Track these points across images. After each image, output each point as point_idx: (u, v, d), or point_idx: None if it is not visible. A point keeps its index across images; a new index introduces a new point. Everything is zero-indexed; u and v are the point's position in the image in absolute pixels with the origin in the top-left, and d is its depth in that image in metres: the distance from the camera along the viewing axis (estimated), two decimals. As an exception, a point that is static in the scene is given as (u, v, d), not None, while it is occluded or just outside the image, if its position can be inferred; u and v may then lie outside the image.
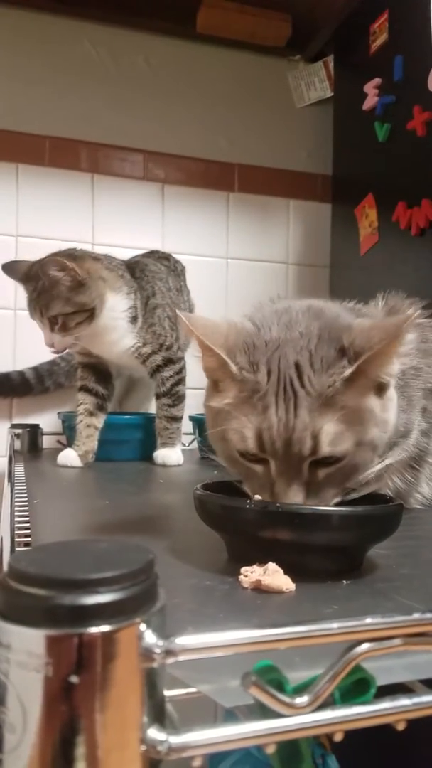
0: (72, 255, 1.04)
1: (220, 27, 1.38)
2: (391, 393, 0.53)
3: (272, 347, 0.52)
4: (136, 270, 1.12)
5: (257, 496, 0.50)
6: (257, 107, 1.51)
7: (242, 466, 0.52)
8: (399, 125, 1.15)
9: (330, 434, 0.48)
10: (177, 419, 1.11)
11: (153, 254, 1.25)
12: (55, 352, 1.08)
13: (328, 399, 0.48)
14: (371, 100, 1.24)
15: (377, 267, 1.24)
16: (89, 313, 1.01)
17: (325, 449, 0.48)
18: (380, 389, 0.52)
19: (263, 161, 1.51)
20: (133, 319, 1.06)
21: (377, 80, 1.22)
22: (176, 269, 1.25)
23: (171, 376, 1.10)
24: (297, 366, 0.50)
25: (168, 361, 1.10)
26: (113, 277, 1.05)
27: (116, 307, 1.04)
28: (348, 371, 0.49)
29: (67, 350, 1.08)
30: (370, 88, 1.24)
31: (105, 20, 1.38)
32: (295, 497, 0.48)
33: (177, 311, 0.62)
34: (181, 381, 1.12)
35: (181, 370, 1.12)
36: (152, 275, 1.12)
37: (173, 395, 1.10)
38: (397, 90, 1.17)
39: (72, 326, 1.01)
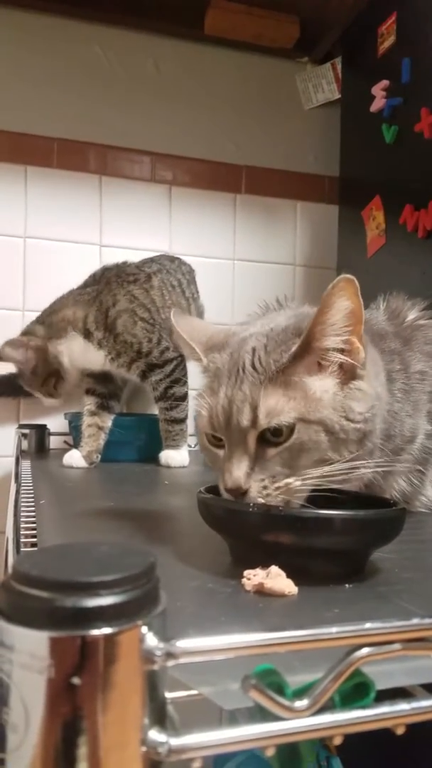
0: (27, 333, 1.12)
1: (228, 29, 1.38)
2: (362, 385, 0.53)
3: (241, 340, 0.55)
4: (101, 282, 1.10)
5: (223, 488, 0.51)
6: (265, 109, 1.51)
7: (210, 452, 0.54)
8: (406, 127, 1.15)
9: (268, 405, 0.49)
10: (178, 421, 1.09)
11: (161, 256, 1.25)
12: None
13: (272, 374, 0.50)
14: (379, 102, 1.23)
15: (384, 269, 1.24)
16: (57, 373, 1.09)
17: (263, 420, 0.48)
18: (347, 375, 0.52)
19: (270, 163, 1.51)
20: (87, 335, 1.06)
21: (385, 82, 1.22)
22: (181, 269, 1.23)
23: (161, 380, 1.08)
24: (253, 350, 0.52)
25: (152, 367, 1.07)
26: (62, 322, 1.09)
27: (73, 345, 1.07)
28: (295, 346, 0.50)
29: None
30: (378, 90, 1.23)
31: (113, 23, 1.39)
32: (237, 471, 0.49)
33: (173, 312, 0.62)
34: (175, 383, 1.09)
35: (173, 372, 1.09)
36: (119, 283, 1.10)
37: (168, 398, 1.08)
38: (405, 92, 1.16)
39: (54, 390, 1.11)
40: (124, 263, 1.18)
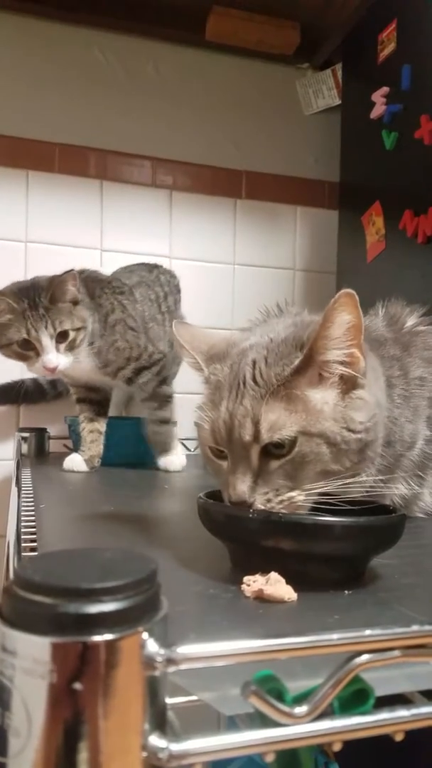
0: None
1: (229, 35, 1.39)
2: (363, 394, 0.53)
3: (241, 352, 0.55)
4: (96, 288, 1.07)
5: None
6: (265, 114, 1.52)
7: (213, 463, 0.54)
8: (406, 134, 1.16)
9: (270, 420, 0.49)
10: (166, 421, 1.07)
11: (139, 266, 1.23)
12: (51, 374, 0.99)
13: (273, 388, 0.50)
14: (379, 109, 1.24)
15: (384, 274, 1.25)
16: (85, 332, 1.00)
17: (265, 435, 0.49)
18: (347, 385, 0.52)
19: (271, 168, 1.51)
20: (91, 343, 1.02)
21: (385, 89, 1.22)
22: (159, 280, 1.21)
23: (149, 381, 1.06)
24: (253, 363, 0.52)
25: (141, 370, 1.06)
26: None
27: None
28: (297, 360, 0.51)
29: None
30: (378, 96, 1.24)
31: (114, 28, 1.40)
32: (241, 485, 0.49)
33: (175, 321, 0.63)
34: (162, 382, 1.07)
35: (160, 372, 1.07)
36: (112, 291, 1.08)
37: (157, 397, 1.07)
38: (405, 99, 1.17)
39: (78, 344, 0.98)
40: (102, 273, 1.14)
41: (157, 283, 1.20)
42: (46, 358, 0.95)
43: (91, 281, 1.08)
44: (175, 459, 1.07)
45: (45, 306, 0.95)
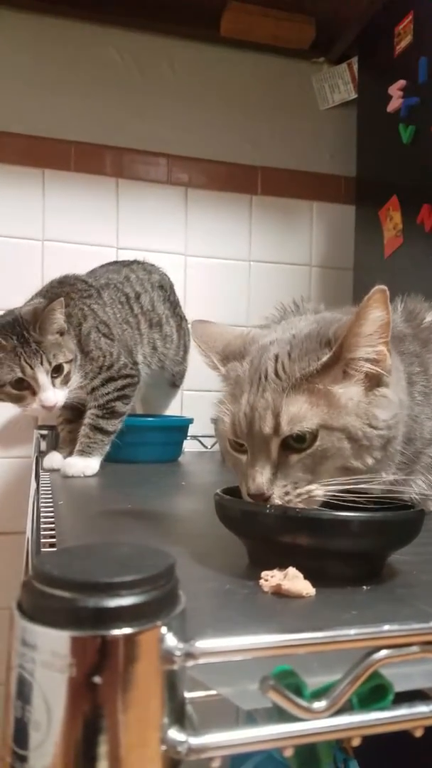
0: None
1: (244, 31, 1.38)
2: (387, 392, 0.53)
3: (261, 347, 0.55)
4: (61, 297, 0.99)
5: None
6: (281, 110, 1.51)
7: (232, 456, 0.54)
8: (424, 127, 1.14)
9: (291, 413, 0.49)
10: (104, 431, 0.98)
11: (109, 266, 1.19)
12: (48, 411, 0.93)
13: (296, 382, 0.50)
14: (396, 102, 1.23)
15: (402, 269, 1.23)
16: (74, 364, 0.96)
17: (285, 427, 0.49)
18: (371, 382, 0.52)
19: (286, 164, 1.50)
20: (74, 359, 0.98)
21: (402, 82, 1.21)
22: (129, 280, 1.15)
23: (108, 393, 1.00)
24: (276, 358, 0.52)
25: (108, 380, 1.01)
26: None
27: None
28: (325, 357, 0.50)
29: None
30: (395, 89, 1.23)
31: (129, 26, 1.40)
32: (259, 477, 0.49)
33: (192, 321, 0.62)
34: (120, 398, 1.00)
35: (123, 388, 1.01)
36: (80, 295, 1.03)
37: (106, 409, 0.99)
38: (422, 92, 1.15)
39: (71, 376, 0.94)
40: (69, 276, 1.08)
41: (126, 283, 1.13)
42: (44, 395, 0.90)
43: (56, 297, 1.01)
44: (79, 462, 0.95)
45: (36, 340, 0.90)
